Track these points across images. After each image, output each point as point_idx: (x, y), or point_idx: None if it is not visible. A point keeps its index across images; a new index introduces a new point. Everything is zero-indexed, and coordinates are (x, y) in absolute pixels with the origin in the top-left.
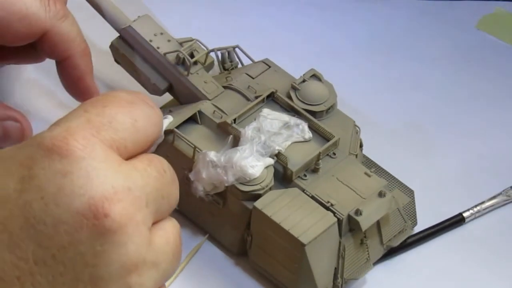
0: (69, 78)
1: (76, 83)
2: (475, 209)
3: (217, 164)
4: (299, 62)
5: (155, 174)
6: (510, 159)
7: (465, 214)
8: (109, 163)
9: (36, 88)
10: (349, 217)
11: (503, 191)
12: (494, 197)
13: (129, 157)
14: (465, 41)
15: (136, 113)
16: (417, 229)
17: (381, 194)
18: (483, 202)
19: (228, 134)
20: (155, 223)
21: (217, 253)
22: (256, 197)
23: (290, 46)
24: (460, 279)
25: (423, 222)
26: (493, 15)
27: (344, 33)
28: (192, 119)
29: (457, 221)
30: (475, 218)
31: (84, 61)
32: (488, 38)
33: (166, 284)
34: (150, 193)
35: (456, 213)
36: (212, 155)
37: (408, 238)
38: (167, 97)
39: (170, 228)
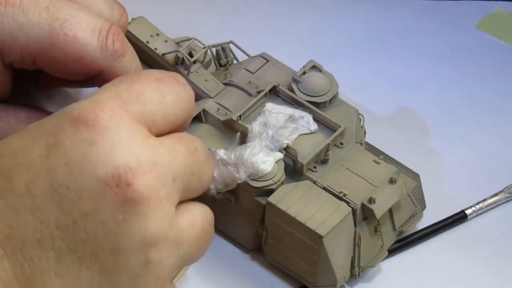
0: None
1: None
2: (477, 206)
3: (228, 162)
4: (299, 62)
5: (184, 150)
6: (511, 156)
7: (467, 211)
8: (135, 135)
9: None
10: (363, 205)
11: (505, 188)
12: (496, 194)
13: (159, 134)
14: (465, 41)
15: (164, 88)
16: (419, 226)
17: (392, 181)
18: (485, 199)
19: (234, 131)
20: (184, 202)
21: (232, 250)
22: (269, 192)
23: (289, 46)
24: (462, 277)
25: (425, 220)
26: (493, 15)
27: (344, 33)
28: (195, 118)
29: (459, 218)
30: (477, 215)
31: None
32: (488, 38)
33: (175, 278)
34: (177, 169)
35: (458, 210)
36: (222, 153)
37: (410, 235)
38: None
39: (199, 213)
